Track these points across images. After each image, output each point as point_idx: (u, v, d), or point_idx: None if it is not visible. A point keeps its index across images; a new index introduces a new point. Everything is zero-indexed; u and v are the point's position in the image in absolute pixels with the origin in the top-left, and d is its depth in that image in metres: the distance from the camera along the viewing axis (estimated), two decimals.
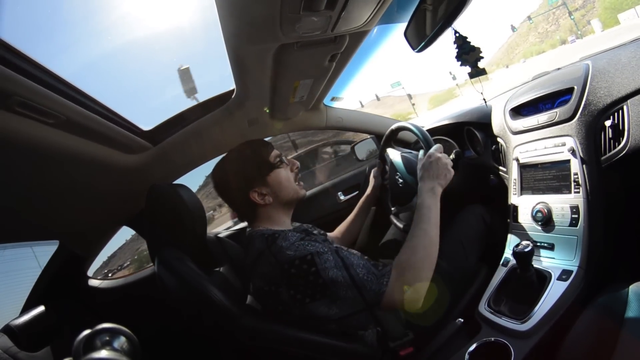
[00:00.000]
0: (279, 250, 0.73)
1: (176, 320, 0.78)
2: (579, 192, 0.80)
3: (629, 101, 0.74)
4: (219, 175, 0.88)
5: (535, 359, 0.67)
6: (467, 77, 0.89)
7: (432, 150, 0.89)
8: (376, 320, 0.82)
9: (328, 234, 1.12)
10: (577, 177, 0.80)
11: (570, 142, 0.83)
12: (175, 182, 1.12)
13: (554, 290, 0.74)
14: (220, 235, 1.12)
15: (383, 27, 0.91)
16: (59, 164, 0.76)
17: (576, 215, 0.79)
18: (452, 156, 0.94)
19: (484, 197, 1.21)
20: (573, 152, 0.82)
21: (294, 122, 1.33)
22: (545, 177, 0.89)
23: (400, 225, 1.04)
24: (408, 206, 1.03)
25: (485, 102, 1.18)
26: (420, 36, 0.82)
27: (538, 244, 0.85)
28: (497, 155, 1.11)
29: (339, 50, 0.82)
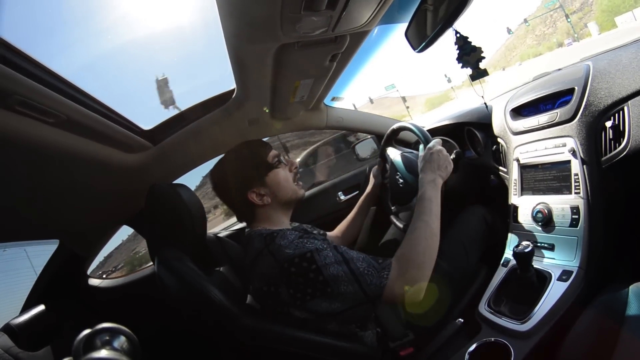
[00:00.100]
0: (277, 249, 0.72)
1: (176, 320, 0.78)
2: (579, 193, 0.80)
3: (629, 102, 0.74)
4: (217, 176, 0.88)
5: (535, 359, 0.67)
6: (462, 79, 0.90)
7: (432, 143, 0.90)
8: (376, 321, 0.82)
9: (328, 233, 1.12)
10: (578, 178, 0.80)
11: (571, 142, 0.83)
12: (175, 181, 1.12)
13: (554, 291, 0.74)
14: (220, 235, 1.12)
15: (383, 27, 0.91)
16: (59, 163, 0.76)
17: (576, 216, 0.79)
18: (453, 156, 0.94)
19: (484, 198, 1.21)
20: (573, 152, 0.82)
21: (294, 122, 1.33)
22: (546, 177, 0.89)
23: (400, 225, 1.04)
24: (408, 206, 1.03)
25: (487, 105, 1.18)
26: (421, 36, 0.82)
27: (538, 244, 0.85)
28: (498, 155, 1.11)
29: (339, 50, 0.82)
